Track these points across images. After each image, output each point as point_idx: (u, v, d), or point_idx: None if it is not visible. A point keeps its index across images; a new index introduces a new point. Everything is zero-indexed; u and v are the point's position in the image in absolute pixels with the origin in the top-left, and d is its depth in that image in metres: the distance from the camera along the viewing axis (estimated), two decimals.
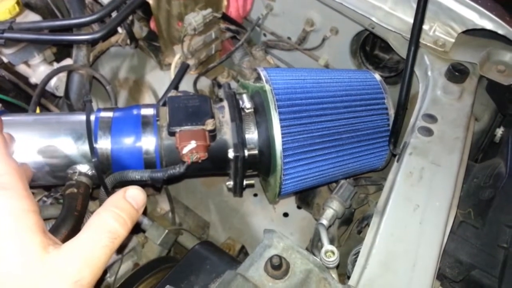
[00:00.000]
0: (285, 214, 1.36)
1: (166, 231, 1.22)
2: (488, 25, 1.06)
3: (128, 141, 0.96)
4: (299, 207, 1.35)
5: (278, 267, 0.68)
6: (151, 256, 1.18)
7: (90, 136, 0.93)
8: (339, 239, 1.09)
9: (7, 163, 0.57)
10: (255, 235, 1.33)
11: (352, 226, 1.13)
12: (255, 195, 1.39)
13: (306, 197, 1.25)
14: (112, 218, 0.58)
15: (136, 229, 1.29)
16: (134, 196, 0.62)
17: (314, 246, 1.03)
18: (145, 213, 0.76)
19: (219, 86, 1.41)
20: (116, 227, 0.57)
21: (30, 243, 0.54)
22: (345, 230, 1.12)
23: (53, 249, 0.55)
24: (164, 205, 1.41)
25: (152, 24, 1.44)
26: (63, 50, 1.52)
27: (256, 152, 1.00)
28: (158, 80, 1.49)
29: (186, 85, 1.38)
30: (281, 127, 0.96)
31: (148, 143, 0.96)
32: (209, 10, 1.32)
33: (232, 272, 0.69)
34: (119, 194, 0.62)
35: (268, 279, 0.68)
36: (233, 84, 1.43)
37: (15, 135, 0.92)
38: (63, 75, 1.34)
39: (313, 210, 1.25)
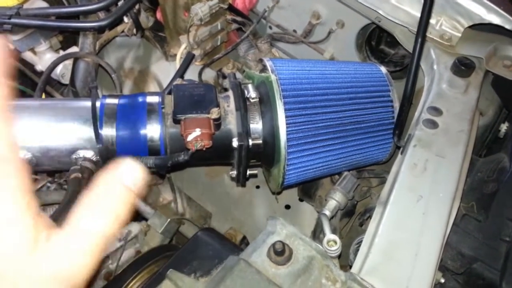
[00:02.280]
0: (287, 206, 1.36)
1: (169, 219, 1.22)
2: (496, 19, 1.06)
3: (133, 128, 0.96)
4: (301, 200, 1.35)
5: (281, 253, 0.68)
6: (153, 244, 1.19)
7: (95, 122, 0.94)
8: (341, 231, 1.10)
9: (9, 135, 0.45)
10: (256, 226, 1.33)
11: (354, 219, 1.13)
12: (258, 187, 1.39)
13: (308, 190, 1.25)
14: (105, 212, 0.46)
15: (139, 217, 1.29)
16: (132, 177, 0.47)
17: (316, 237, 1.04)
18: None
19: (224, 77, 1.41)
20: (109, 223, 0.46)
21: (21, 231, 0.44)
22: (347, 222, 1.12)
23: (44, 240, 0.46)
24: (167, 195, 1.42)
25: (159, 14, 1.44)
26: (69, 38, 1.52)
27: (260, 141, 1.00)
28: (164, 70, 1.49)
29: (191, 75, 1.38)
30: (286, 117, 0.96)
31: (153, 130, 0.97)
32: (215, 0, 1.31)
33: (235, 258, 0.69)
34: (113, 177, 0.47)
35: (270, 264, 0.68)
36: (239, 76, 1.43)
37: (21, 120, 0.93)
38: (69, 63, 1.35)
39: (315, 203, 1.25)
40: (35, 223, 0.46)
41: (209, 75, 1.47)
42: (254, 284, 0.65)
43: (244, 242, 1.27)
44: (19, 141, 0.91)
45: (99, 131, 0.94)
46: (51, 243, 0.47)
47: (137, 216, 1.31)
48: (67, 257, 0.47)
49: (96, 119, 0.94)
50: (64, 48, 1.47)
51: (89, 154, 0.94)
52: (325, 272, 0.69)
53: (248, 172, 1.07)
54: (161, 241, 1.21)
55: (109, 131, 0.95)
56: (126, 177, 0.47)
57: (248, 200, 1.38)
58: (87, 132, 0.94)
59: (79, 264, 0.47)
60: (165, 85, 1.43)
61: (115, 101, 0.99)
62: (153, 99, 1.01)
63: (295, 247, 0.71)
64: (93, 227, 0.47)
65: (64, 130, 0.94)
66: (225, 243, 0.88)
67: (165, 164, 0.93)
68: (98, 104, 0.98)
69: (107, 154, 0.95)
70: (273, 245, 0.69)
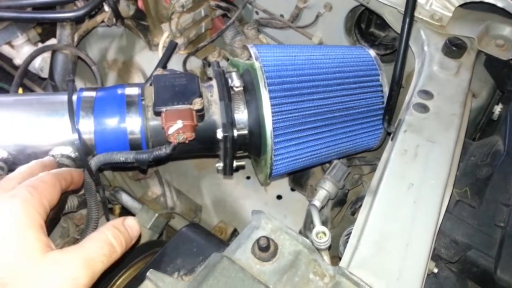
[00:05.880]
0: (279, 197, 1.33)
1: (156, 215, 1.19)
2: None
3: (112, 121, 0.92)
4: (292, 189, 1.32)
5: (265, 248, 0.65)
6: (141, 240, 1.15)
7: (72, 116, 0.90)
8: (332, 220, 1.07)
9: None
10: (248, 218, 1.31)
11: (346, 208, 1.10)
12: (248, 177, 1.36)
13: (299, 179, 1.22)
14: (112, 235, 0.64)
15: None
16: (131, 225, 0.69)
17: (306, 228, 1.01)
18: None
19: (210, 66, 1.37)
20: (114, 244, 0.63)
21: (35, 240, 0.57)
22: (338, 211, 1.09)
23: (54, 249, 0.59)
24: (155, 189, 1.38)
25: (140, 2, 1.39)
26: (49, 30, 1.47)
27: (245, 132, 0.97)
28: (148, 60, 1.45)
29: (175, 65, 1.34)
30: (272, 105, 0.92)
31: (133, 123, 0.93)
32: None
33: (218, 255, 0.66)
34: (119, 220, 0.69)
35: (255, 261, 0.66)
36: (224, 64, 1.39)
37: None
38: (47, 56, 1.30)
39: (306, 192, 1.22)
40: (46, 238, 0.59)
41: (195, 64, 1.43)
42: (238, 282, 0.62)
43: (235, 235, 1.24)
44: None
45: (76, 126, 0.90)
46: (62, 250, 0.58)
47: (125, 212, 1.27)
48: (75, 261, 0.57)
49: (73, 114, 0.90)
50: (43, 41, 1.42)
51: (67, 150, 0.90)
52: (312, 267, 0.66)
53: (235, 163, 1.04)
54: (150, 237, 1.17)
55: (86, 126, 0.91)
56: (128, 224, 0.69)
57: (238, 191, 1.35)
58: (64, 127, 0.90)
59: (86, 268, 0.57)
60: (149, 75, 1.39)
61: (92, 94, 0.95)
62: (133, 91, 0.96)
63: (280, 242, 0.68)
64: (102, 242, 0.62)
65: (40, 126, 0.90)
66: (211, 238, 0.85)
67: (147, 159, 0.89)
68: (75, 98, 0.94)
69: (86, 150, 0.91)
70: (257, 240, 0.66)
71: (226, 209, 1.34)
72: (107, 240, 0.63)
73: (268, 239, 0.66)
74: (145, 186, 1.42)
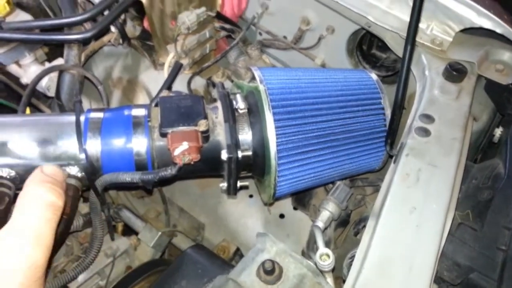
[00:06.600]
0: (281, 216, 1.34)
1: (160, 233, 1.20)
2: (486, 23, 1.04)
3: (118, 142, 0.94)
4: (295, 208, 1.33)
5: (270, 272, 0.66)
6: (144, 258, 1.16)
7: (80, 137, 0.91)
8: (335, 241, 1.07)
9: None
10: (250, 237, 1.31)
11: (349, 228, 1.11)
12: (251, 196, 1.36)
13: (302, 198, 1.23)
14: (48, 192, 0.56)
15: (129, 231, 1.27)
16: (53, 173, 0.62)
17: (310, 248, 1.01)
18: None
19: (214, 86, 1.39)
20: (55, 200, 0.56)
21: None
22: (341, 232, 1.10)
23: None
24: (158, 207, 1.39)
25: (146, 23, 1.42)
26: (55, 50, 1.49)
27: (250, 153, 0.98)
28: (152, 80, 1.47)
29: (180, 85, 1.36)
30: (276, 127, 0.94)
31: (139, 144, 0.94)
32: (203, 8, 1.30)
33: (224, 277, 0.67)
34: (39, 173, 0.62)
35: (260, 284, 0.66)
36: (228, 84, 1.41)
37: (2, 137, 0.91)
38: (54, 75, 1.32)
39: (309, 212, 1.23)
40: None
41: (199, 83, 1.45)
42: None
43: (238, 254, 1.24)
44: (3, 160, 0.89)
45: (84, 146, 0.91)
46: (9, 232, 0.52)
47: (127, 229, 1.28)
48: (27, 243, 0.51)
49: (80, 135, 0.92)
50: (50, 59, 1.44)
51: (74, 170, 0.92)
52: None
53: (239, 183, 1.05)
54: (153, 255, 1.18)
55: (93, 147, 0.92)
56: (50, 174, 0.62)
57: (241, 210, 1.36)
58: (71, 148, 0.92)
59: (39, 245, 0.51)
60: (154, 94, 1.40)
61: (100, 115, 0.97)
62: (139, 112, 0.98)
63: (285, 265, 0.69)
64: (42, 207, 0.55)
65: (47, 147, 0.91)
66: (215, 260, 0.85)
67: (152, 179, 0.90)
68: (82, 118, 0.95)
69: (92, 170, 0.93)
70: (263, 264, 0.67)
71: (229, 227, 1.35)
72: (46, 201, 0.55)
73: (273, 262, 0.67)
74: (148, 203, 1.42)
